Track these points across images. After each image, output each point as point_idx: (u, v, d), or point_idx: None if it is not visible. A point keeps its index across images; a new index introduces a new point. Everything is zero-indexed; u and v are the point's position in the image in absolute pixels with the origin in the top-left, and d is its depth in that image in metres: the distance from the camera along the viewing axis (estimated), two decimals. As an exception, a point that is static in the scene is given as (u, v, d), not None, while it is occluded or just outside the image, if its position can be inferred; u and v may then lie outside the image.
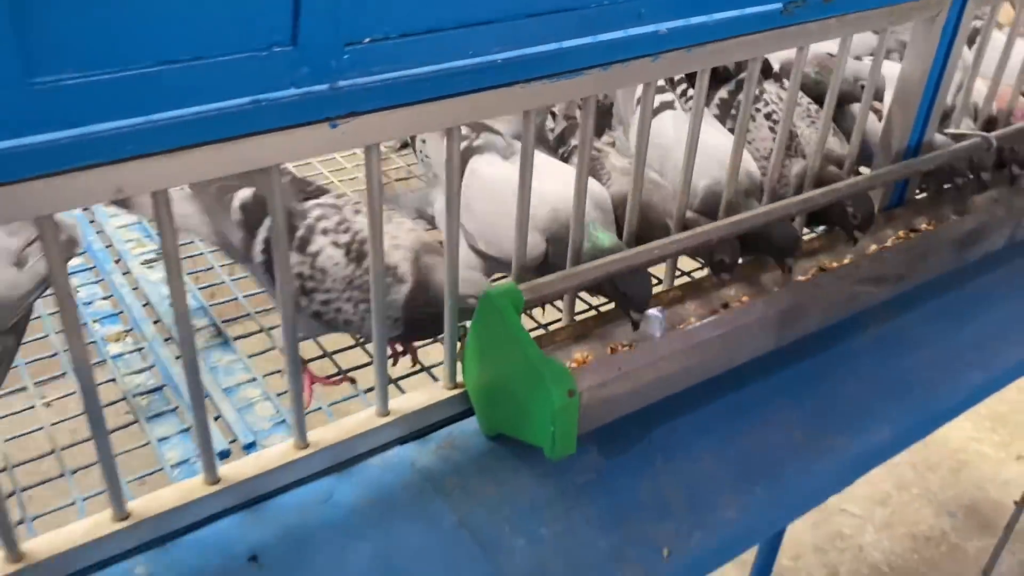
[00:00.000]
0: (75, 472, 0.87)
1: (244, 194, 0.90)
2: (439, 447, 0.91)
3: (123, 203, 0.92)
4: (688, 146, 0.96)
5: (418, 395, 0.93)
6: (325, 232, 0.88)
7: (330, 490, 0.86)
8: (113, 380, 0.98)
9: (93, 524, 0.76)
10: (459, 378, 0.93)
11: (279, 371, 0.99)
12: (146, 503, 0.78)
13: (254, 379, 0.99)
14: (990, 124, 1.32)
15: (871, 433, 0.98)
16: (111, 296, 1.11)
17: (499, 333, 0.84)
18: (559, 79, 0.75)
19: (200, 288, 1.12)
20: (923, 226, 1.18)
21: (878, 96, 1.18)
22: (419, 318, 0.89)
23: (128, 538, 0.77)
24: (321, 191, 0.94)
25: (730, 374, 0.96)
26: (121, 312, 1.09)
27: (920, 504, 2.67)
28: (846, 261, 1.07)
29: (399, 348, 1.03)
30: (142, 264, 1.14)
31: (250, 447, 0.90)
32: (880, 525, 2.58)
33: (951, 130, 1.22)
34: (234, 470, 0.82)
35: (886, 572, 2.45)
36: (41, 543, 0.74)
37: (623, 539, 0.83)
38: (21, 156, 0.56)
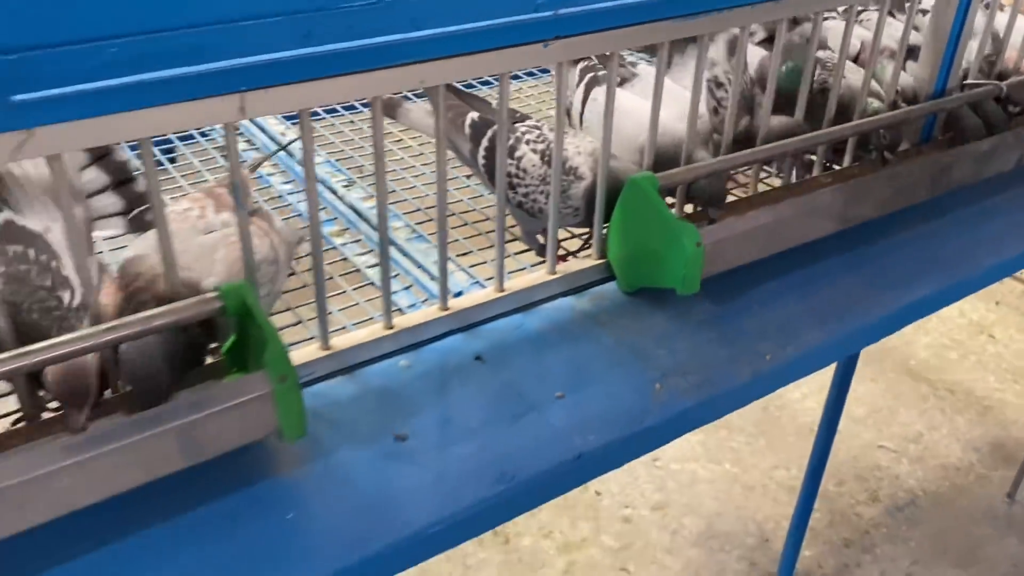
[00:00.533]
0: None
1: (472, 116, 1.25)
2: (591, 299, 1.24)
3: (391, 113, 1.28)
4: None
5: (576, 262, 1.26)
6: (527, 143, 1.22)
7: (520, 322, 1.19)
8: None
9: (370, 332, 1.10)
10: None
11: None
12: (404, 319, 1.12)
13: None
14: (1000, 78, 1.64)
15: (912, 293, 1.30)
16: (324, 208, 1.45)
17: (641, 207, 1.17)
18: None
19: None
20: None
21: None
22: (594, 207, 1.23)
23: (393, 342, 1.10)
24: (525, 117, 1.28)
25: (806, 248, 1.28)
26: (335, 218, 1.43)
27: (949, 441, 2.96)
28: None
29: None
30: (344, 187, 1.49)
31: (458, 294, 1.23)
32: (913, 459, 2.88)
33: (969, 81, 1.53)
34: (457, 303, 1.15)
35: (920, 495, 2.74)
36: (340, 340, 1.08)
37: (737, 351, 1.15)
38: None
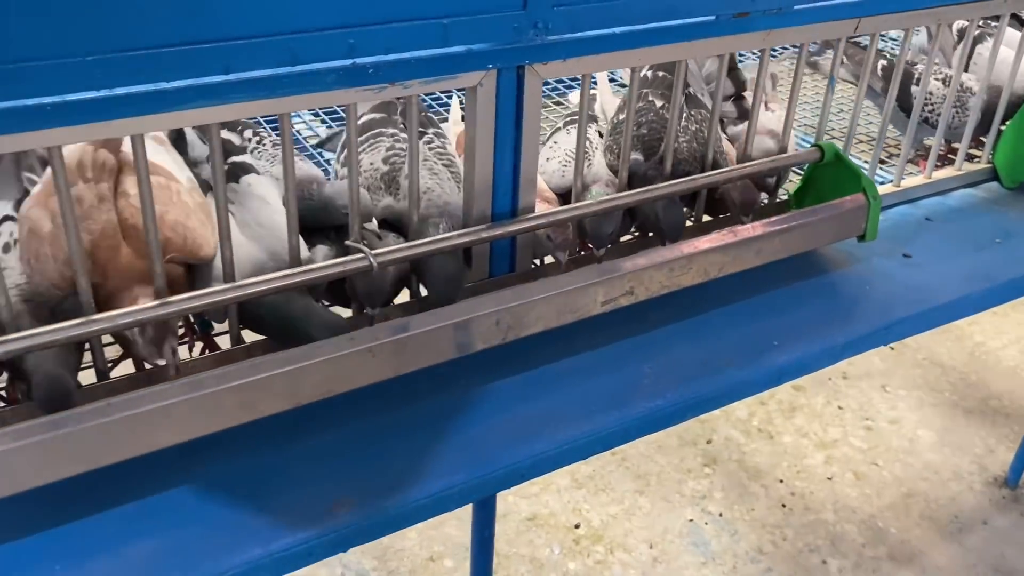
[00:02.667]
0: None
1: (881, 62, 1.78)
2: (980, 191, 1.75)
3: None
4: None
5: (968, 166, 1.77)
6: (933, 77, 1.74)
7: (942, 200, 1.71)
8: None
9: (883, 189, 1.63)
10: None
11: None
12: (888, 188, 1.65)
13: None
14: None
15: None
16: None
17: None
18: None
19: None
20: None
21: None
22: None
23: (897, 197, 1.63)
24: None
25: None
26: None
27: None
28: None
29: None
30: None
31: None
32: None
33: None
34: (904, 184, 1.68)
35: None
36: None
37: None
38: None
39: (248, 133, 1.33)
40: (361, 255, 1.08)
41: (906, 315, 1.39)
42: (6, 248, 1.02)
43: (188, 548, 0.93)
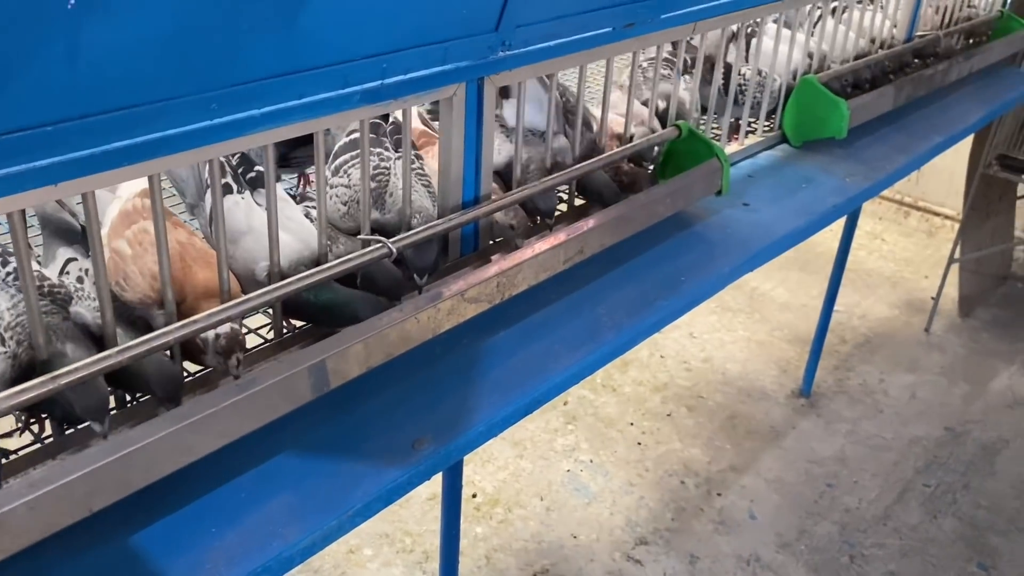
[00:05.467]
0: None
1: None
2: (777, 151, 2.25)
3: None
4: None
5: (762, 137, 2.26)
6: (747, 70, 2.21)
7: (751, 166, 2.17)
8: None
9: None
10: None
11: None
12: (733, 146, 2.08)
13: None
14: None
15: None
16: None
17: (814, 96, 2.19)
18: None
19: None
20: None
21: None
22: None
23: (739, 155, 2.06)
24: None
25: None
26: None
27: (878, 304, 4.18)
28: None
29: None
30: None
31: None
32: (858, 316, 4.07)
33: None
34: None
35: (872, 336, 3.93)
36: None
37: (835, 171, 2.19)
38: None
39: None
40: (380, 244, 1.30)
41: (760, 247, 1.81)
42: (80, 280, 1.14)
43: (315, 496, 1.11)
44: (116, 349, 1.02)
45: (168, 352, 1.17)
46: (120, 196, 1.24)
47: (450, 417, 1.25)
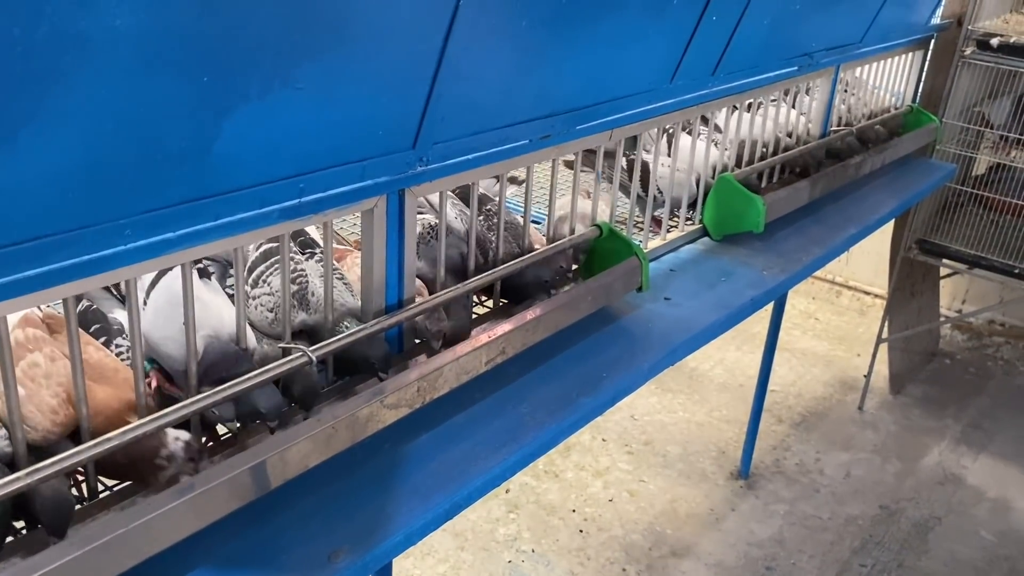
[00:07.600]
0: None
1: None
2: (699, 244, 2.34)
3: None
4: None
5: (688, 227, 2.35)
6: (665, 167, 2.31)
7: (674, 260, 2.25)
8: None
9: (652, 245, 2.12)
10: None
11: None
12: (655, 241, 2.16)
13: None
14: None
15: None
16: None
17: (731, 192, 2.29)
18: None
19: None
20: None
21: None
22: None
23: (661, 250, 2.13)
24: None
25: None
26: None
27: (812, 383, 4.28)
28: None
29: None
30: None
31: (640, 246, 2.28)
32: (795, 395, 4.16)
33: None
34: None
35: (807, 415, 4.01)
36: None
37: (785, 259, 2.29)
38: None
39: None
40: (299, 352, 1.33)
41: (680, 341, 1.88)
42: None
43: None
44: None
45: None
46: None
47: (368, 526, 1.26)
